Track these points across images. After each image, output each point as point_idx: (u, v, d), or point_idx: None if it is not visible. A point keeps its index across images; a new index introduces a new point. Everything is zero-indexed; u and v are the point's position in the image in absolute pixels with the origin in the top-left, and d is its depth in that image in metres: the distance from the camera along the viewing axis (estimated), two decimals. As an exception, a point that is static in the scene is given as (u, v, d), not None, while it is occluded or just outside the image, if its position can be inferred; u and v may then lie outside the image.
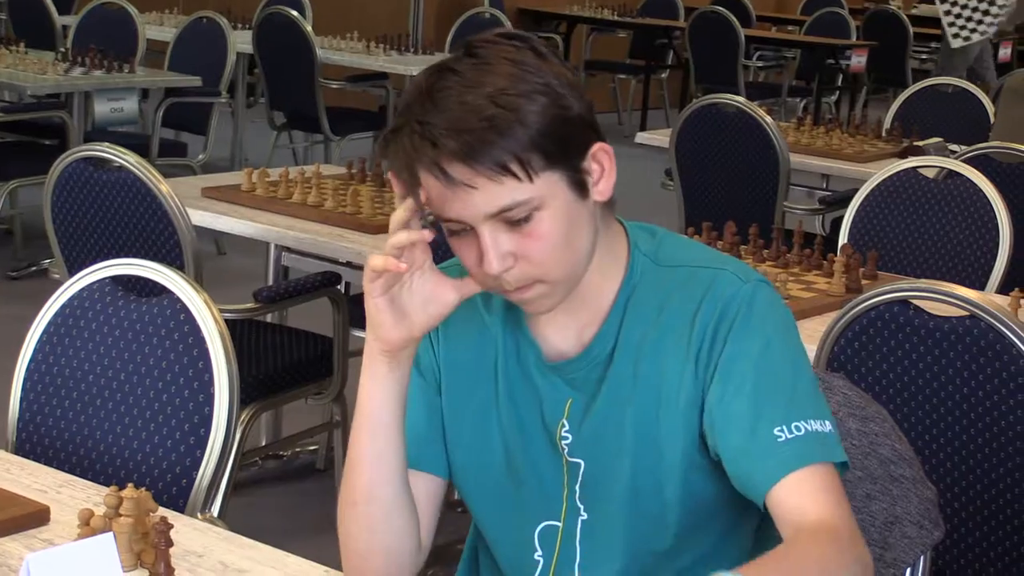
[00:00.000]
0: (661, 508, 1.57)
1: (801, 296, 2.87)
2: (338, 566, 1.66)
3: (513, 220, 1.41)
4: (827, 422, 1.49)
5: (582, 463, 1.59)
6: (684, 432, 1.52)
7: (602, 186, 1.46)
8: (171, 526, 1.59)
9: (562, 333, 1.57)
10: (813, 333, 2.45)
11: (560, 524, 1.64)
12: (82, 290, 2.24)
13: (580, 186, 1.43)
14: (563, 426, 1.58)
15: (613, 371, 1.55)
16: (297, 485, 4.04)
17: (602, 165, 1.45)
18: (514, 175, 1.37)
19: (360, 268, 3.44)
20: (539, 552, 1.68)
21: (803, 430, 1.47)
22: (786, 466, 1.44)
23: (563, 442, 1.58)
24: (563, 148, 1.41)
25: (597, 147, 1.44)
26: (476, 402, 1.64)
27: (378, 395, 1.53)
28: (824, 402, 1.54)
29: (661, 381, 1.54)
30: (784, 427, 1.45)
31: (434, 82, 1.40)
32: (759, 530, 1.62)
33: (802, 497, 1.45)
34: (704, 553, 1.61)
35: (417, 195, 1.42)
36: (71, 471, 2.01)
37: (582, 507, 1.62)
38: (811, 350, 2.42)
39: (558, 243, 1.44)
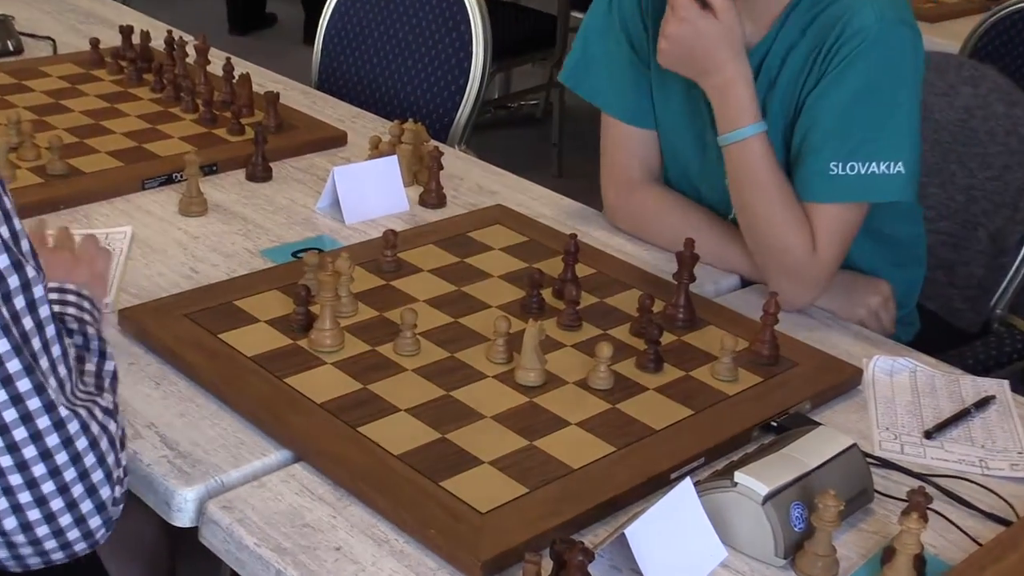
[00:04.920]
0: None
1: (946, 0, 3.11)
2: (552, 188, 2.03)
3: None
4: (899, 163, 1.63)
5: None
6: (782, 114, 1.74)
7: None
8: (442, 153, 1.86)
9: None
10: (959, 32, 2.72)
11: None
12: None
13: None
14: None
15: (766, 62, 1.74)
16: (518, 131, 4.50)
17: None
18: None
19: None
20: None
21: (856, 171, 1.62)
22: (821, 197, 1.65)
23: None
24: None
25: None
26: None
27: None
28: (910, 146, 1.65)
29: (785, 73, 1.73)
30: (839, 164, 1.62)
31: None
32: None
33: (816, 227, 1.66)
34: None
35: None
36: (361, 107, 2.34)
37: None
38: (955, 46, 2.63)
39: None
